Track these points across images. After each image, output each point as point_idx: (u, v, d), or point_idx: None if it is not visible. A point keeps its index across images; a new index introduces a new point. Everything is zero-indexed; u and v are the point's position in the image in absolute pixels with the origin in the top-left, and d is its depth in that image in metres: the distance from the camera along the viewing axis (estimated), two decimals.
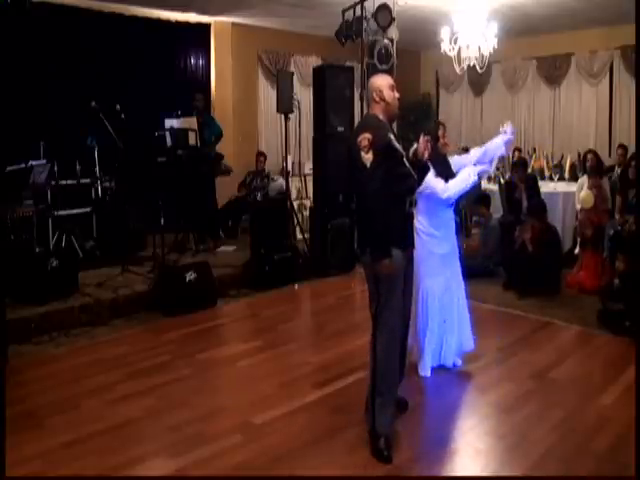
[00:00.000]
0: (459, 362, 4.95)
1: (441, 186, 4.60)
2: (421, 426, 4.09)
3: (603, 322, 5.86)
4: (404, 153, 3.78)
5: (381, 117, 3.81)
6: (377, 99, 3.82)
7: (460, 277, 4.94)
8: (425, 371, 4.80)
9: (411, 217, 3.96)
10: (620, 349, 5.39)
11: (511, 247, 7.47)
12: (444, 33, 8.31)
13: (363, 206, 3.72)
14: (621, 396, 4.43)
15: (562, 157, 10.35)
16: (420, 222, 4.68)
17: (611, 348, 5.45)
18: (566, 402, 4.34)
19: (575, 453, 3.68)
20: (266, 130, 11.06)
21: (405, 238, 3.85)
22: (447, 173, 4.69)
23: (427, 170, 4.16)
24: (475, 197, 8.49)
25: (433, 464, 3.61)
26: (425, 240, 4.69)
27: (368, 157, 3.55)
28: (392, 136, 3.72)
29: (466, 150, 10.96)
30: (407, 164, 3.75)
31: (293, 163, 9.82)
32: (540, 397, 4.43)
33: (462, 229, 9.43)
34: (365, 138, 3.58)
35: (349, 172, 3.82)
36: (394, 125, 4.23)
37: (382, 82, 3.86)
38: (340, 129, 7.89)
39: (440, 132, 4.82)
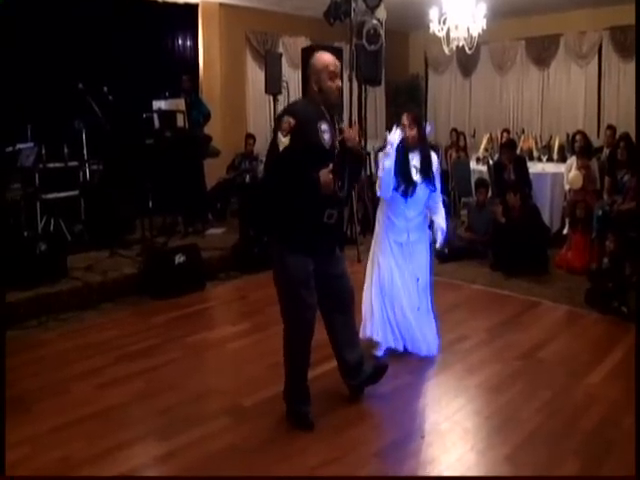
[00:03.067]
0: (435, 351, 4.86)
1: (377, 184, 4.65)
2: (409, 407, 4.11)
3: (591, 302, 5.90)
4: (331, 144, 3.54)
5: (318, 102, 3.61)
6: (315, 87, 3.61)
7: (427, 267, 4.83)
8: (377, 351, 4.81)
9: (329, 229, 3.68)
10: (608, 329, 5.44)
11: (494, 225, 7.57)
12: (433, 14, 8.27)
13: (269, 193, 3.62)
14: (608, 375, 4.47)
15: (551, 138, 10.34)
16: (384, 205, 4.76)
17: (598, 328, 5.49)
18: (553, 382, 4.37)
19: (562, 432, 3.71)
20: (254, 111, 10.98)
21: (314, 247, 3.64)
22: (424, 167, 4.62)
23: (361, 162, 3.95)
24: (475, 181, 8.53)
25: (420, 444, 3.63)
26: (386, 224, 4.72)
27: (284, 141, 3.38)
28: (325, 126, 3.52)
29: (454, 131, 11.01)
30: (331, 160, 3.49)
31: None
32: (527, 377, 4.46)
33: (450, 211, 9.48)
34: (287, 122, 3.41)
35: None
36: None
37: (322, 67, 3.60)
38: None
39: (404, 121, 4.57)
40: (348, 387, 4.13)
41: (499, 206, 7.53)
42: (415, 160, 4.60)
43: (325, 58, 3.66)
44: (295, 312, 3.70)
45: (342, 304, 3.91)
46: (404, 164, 4.54)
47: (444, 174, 9.66)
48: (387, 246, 4.73)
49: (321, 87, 3.58)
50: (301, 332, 3.73)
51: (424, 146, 4.67)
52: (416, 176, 4.58)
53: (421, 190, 4.60)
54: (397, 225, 4.67)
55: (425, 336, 4.80)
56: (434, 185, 4.65)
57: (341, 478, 3.37)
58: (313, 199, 3.49)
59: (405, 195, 4.57)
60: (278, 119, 3.55)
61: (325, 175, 3.43)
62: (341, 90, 3.68)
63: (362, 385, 4.12)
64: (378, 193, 4.69)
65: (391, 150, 4.42)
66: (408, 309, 4.72)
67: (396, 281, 4.70)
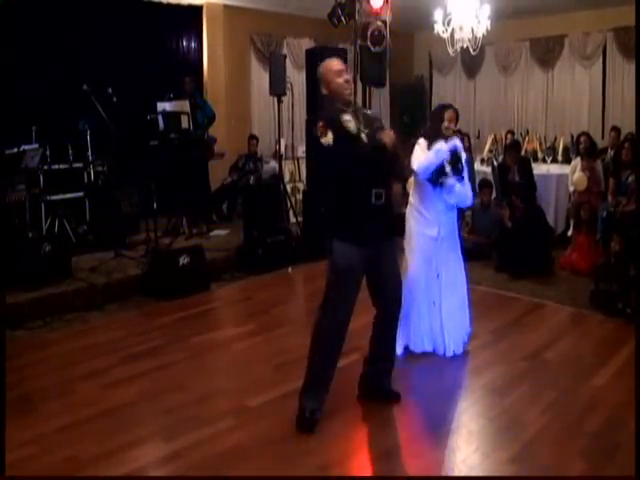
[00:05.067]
0: (460, 350, 4.87)
1: (415, 161, 4.62)
2: (414, 408, 4.11)
3: (596, 303, 5.89)
4: (358, 135, 3.67)
5: (333, 101, 3.76)
6: (326, 92, 3.79)
7: (457, 264, 4.86)
8: (416, 347, 4.80)
9: (378, 212, 3.72)
10: (612, 330, 5.43)
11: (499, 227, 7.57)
12: (437, 15, 8.26)
13: (328, 195, 3.76)
14: (613, 377, 4.46)
15: (555, 139, 10.34)
16: (413, 199, 4.78)
17: (603, 329, 5.49)
18: (558, 383, 4.37)
19: (567, 433, 3.71)
20: (259, 113, 11.00)
21: (363, 233, 3.70)
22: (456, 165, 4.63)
23: (397, 160, 4.03)
24: (479, 182, 8.50)
25: (426, 445, 3.63)
26: (416, 217, 4.72)
27: (328, 139, 3.53)
28: (347, 116, 3.67)
29: (459, 132, 10.97)
30: (364, 148, 3.65)
31: (286, 146, 9.78)
32: (533, 378, 4.46)
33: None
34: (320, 126, 3.57)
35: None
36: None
37: (326, 71, 3.79)
38: None
39: (447, 115, 4.63)
40: (362, 375, 4.14)
41: (506, 210, 7.51)
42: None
43: (328, 62, 3.84)
44: (334, 302, 3.72)
45: (389, 300, 3.94)
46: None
47: None
48: (416, 240, 4.72)
49: (330, 88, 3.75)
50: (334, 328, 3.75)
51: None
52: (448, 167, 4.60)
53: (452, 182, 4.60)
54: (428, 219, 4.66)
55: (440, 332, 4.80)
56: (462, 177, 4.65)
57: (342, 478, 3.38)
58: (359, 181, 3.61)
59: (440, 185, 4.58)
60: (311, 132, 3.77)
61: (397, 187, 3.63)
62: (351, 83, 3.83)
63: (375, 386, 4.12)
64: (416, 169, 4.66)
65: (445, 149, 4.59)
66: (424, 305, 4.74)
67: (420, 277, 4.70)
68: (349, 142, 3.62)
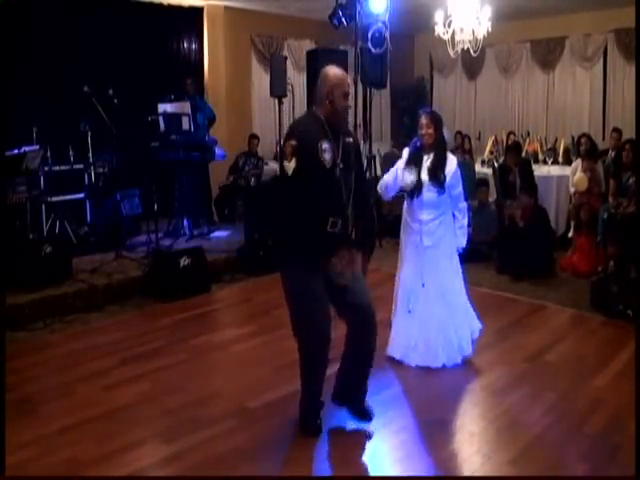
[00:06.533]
0: (458, 360, 4.72)
1: (384, 179, 4.65)
2: (415, 409, 4.10)
3: (596, 305, 5.88)
4: (333, 163, 3.48)
5: (322, 119, 3.53)
6: (325, 100, 3.52)
7: (449, 274, 4.70)
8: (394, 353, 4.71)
9: (332, 239, 3.51)
10: (613, 332, 5.43)
11: (502, 227, 7.53)
12: (438, 16, 8.26)
13: (280, 212, 3.60)
14: (614, 378, 4.46)
15: (556, 141, 10.33)
16: (404, 207, 4.77)
17: (604, 331, 5.48)
18: (559, 384, 4.37)
19: (568, 435, 3.71)
20: (260, 114, 10.99)
21: (315, 260, 3.51)
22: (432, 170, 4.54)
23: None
24: (475, 182, 8.50)
25: (426, 446, 3.63)
26: (404, 227, 4.73)
27: (291, 165, 3.39)
28: (326, 145, 3.45)
29: (460, 134, 10.94)
30: (333, 178, 3.48)
31: None
32: (533, 380, 4.46)
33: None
34: (289, 145, 3.42)
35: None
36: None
37: (337, 82, 3.52)
38: None
39: (423, 120, 4.52)
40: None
41: (518, 209, 7.43)
42: (429, 161, 4.55)
43: (341, 75, 3.59)
44: (307, 329, 3.60)
45: (357, 322, 3.69)
46: (414, 163, 4.54)
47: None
48: (405, 248, 4.74)
49: (334, 102, 3.50)
50: (315, 348, 3.60)
51: (439, 148, 4.58)
52: (424, 177, 4.52)
53: (430, 192, 4.52)
54: (412, 227, 4.65)
55: (428, 344, 4.65)
56: (443, 188, 4.51)
57: (340, 478, 3.38)
58: (315, 209, 3.47)
59: (411, 195, 4.56)
60: (282, 145, 3.59)
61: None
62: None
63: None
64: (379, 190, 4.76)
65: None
66: (403, 313, 4.71)
67: (405, 286, 4.70)
68: (319, 172, 3.45)
